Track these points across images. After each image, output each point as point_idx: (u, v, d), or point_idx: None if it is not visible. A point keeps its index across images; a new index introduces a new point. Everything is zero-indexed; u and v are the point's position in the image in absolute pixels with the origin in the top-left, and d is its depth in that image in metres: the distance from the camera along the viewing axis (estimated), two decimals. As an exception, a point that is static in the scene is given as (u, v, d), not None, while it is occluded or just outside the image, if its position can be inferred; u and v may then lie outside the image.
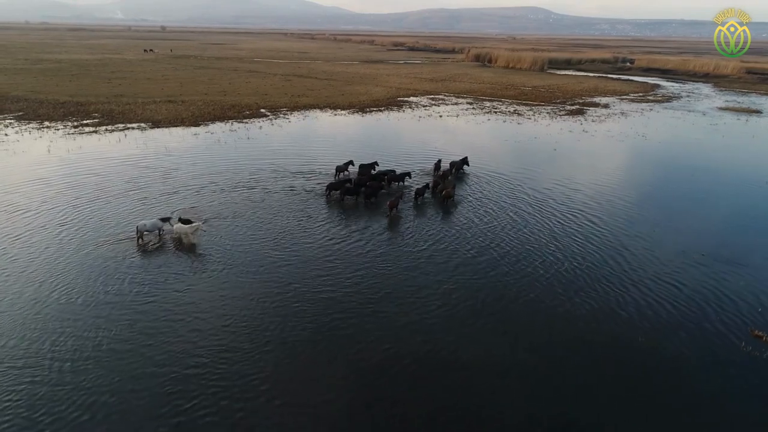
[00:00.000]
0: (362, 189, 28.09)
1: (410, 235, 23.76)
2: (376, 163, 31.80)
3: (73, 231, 22.71)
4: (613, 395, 13.75)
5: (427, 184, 28.95)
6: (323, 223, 24.66)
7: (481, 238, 23.40)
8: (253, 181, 30.40)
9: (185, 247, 21.63)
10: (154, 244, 22.04)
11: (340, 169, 31.12)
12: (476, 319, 17.02)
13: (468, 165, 33.78)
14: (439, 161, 33.46)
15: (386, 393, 13.59)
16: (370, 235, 23.46)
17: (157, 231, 22.33)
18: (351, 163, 31.69)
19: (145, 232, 21.98)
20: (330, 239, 22.80)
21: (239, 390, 13.40)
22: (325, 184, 28.95)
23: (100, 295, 17.64)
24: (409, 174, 30.84)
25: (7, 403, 12.78)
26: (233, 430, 12.24)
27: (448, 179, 30.42)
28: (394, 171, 30.97)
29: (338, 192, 27.90)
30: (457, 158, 33.77)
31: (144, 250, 21.45)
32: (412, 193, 28.68)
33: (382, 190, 28.74)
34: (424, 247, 22.44)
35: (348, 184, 28.39)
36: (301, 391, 13.50)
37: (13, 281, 18.45)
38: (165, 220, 22.66)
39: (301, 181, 30.85)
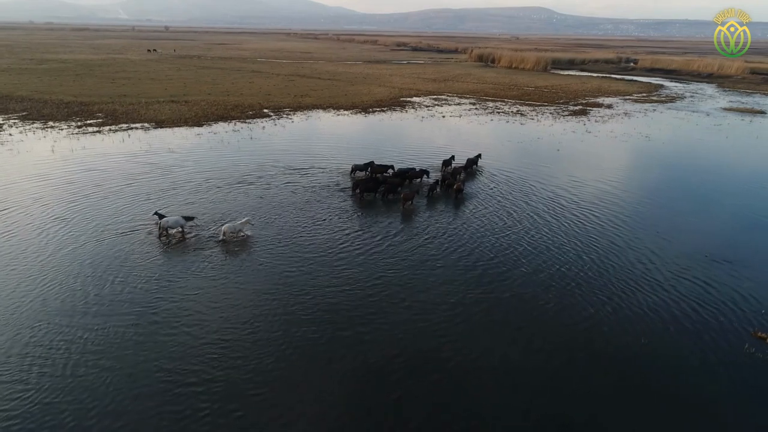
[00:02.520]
0: (381, 186, 28.93)
1: (425, 232, 24.00)
2: (392, 167, 32.39)
3: (74, 227, 22.84)
4: (614, 397, 13.72)
5: (438, 180, 30.11)
6: (333, 222, 24.72)
7: (490, 237, 23.42)
8: (258, 180, 30.49)
9: (238, 243, 22.00)
10: (176, 240, 22.29)
11: (358, 168, 31.70)
12: (490, 319, 17.04)
13: (481, 158, 35.55)
14: (452, 157, 34.40)
15: (389, 396, 13.60)
16: (385, 232, 23.55)
17: (180, 228, 22.62)
18: (372, 163, 32.29)
19: (168, 229, 22.36)
20: (340, 241, 22.77)
21: (240, 394, 13.39)
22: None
23: (91, 296, 17.64)
24: (427, 172, 32.00)
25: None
26: None
27: (459, 175, 31.63)
28: (413, 168, 32.09)
29: (361, 189, 28.54)
30: (471, 155, 35.28)
31: (165, 245, 21.78)
32: (425, 188, 29.76)
33: (400, 188, 29.39)
34: (436, 244, 22.63)
35: (370, 183, 29.11)
36: (305, 395, 13.52)
37: (4, 278, 18.56)
38: (189, 219, 22.97)
39: (305, 179, 30.91)
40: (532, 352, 15.41)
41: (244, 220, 22.65)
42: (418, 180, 31.43)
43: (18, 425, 12.12)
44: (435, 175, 32.03)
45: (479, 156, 35.49)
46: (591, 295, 18.73)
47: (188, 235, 22.61)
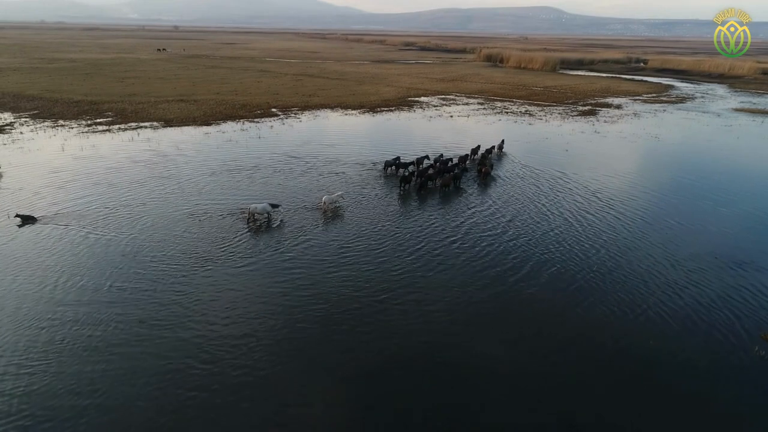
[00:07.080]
0: (415, 179, 30.60)
1: (442, 225, 24.59)
2: (427, 156, 34.19)
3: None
4: (622, 399, 13.64)
5: (464, 168, 32.69)
6: (344, 220, 24.80)
7: (500, 230, 23.44)
8: (263, 178, 30.65)
9: (333, 214, 24.95)
10: (263, 225, 23.73)
11: (388, 164, 33.22)
12: (500, 318, 17.02)
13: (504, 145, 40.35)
14: (478, 147, 37.59)
15: (392, 395, 13.61)
16: (394, 229, 23.56)
17: (266, 214, 24.17)
18: (398, 159, 33.69)
19: (255, 215, 23.92)
20: (346, 240, 22.87)
21: (240, 389, 13.43)
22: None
23: (88, 288, 17.88)
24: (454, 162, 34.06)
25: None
26: None
27: (488, 159, 35.22)
28: (450, 159, 34.62)
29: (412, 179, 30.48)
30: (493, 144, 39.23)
31: (252, 229, 23.19)
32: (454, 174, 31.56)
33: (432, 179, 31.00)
34: (451, 241, 22.82)
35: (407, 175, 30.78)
36: (306, 393, 13.56)
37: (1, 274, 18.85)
38: (275, 206, 24.52)
39: (310, 178, 31.05)
40: (540, 353, 15.35)
41: (339, 193, 25.71)
42: (453, 170, 32.65)
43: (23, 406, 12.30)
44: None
45: (503, 141, 40.22)
46: (592, 296, 18.63)
47: (274, 222, 24.16)
